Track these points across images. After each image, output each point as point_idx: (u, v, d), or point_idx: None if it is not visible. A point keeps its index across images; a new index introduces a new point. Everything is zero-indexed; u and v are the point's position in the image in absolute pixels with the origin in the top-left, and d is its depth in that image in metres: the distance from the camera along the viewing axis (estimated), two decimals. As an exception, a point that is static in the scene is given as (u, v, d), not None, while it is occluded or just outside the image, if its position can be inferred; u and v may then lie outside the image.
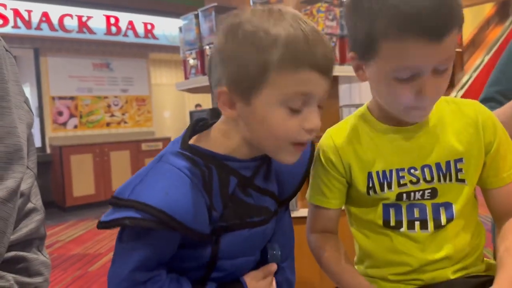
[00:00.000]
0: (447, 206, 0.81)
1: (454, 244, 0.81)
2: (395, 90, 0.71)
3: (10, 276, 0.72)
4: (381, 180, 0.81)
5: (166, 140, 6.67)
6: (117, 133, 6.72)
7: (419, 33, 0.65)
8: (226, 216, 0.66)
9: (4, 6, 5.43)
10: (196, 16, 2.31)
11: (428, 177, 0.80)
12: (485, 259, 0.87)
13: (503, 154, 0.82)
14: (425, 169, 0.80)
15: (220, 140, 0.69)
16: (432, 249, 0.80)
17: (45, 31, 5.76)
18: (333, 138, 0.86)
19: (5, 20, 5.44)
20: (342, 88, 2.51)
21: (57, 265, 3.58)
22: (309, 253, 0.88)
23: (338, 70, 2.23)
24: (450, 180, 0.80)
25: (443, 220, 0.80)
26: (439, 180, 0.80)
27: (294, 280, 0.83)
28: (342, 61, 2.26)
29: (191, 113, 2.83)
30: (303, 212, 2.01)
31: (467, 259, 0.82)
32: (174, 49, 6.61)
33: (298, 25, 0.61)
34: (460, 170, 0.80)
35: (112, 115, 6.73)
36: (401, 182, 0.80)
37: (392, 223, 0.82)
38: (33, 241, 0.79)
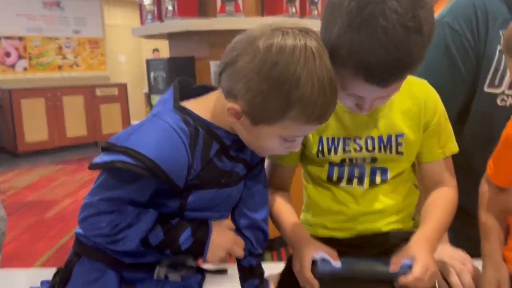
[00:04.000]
0: (384, 170, 0.92)
1: (386, 201, 0.93)
2: (340, 94, 0.75)
3: None
4: (329, 146, 0.91)
5: (122, 86, 6.49)
6: (69, 77, 6.50)
7: (369, 80, 0.71)
8: (200, 176, 0.74)
9: None
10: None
11: (370, 147, 0.90)
12: (415, 217, 0.99)
13: (438, 134, 0.92)
14: (368, 140, 0.90)
15: (211, 111, 0.76)
16: (366, 203, 0.92)
17: (-12, -36, 5.36)
18: None
19: None
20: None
21: (12, 212, 3.55)
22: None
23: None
24: (390, 152, 0.90)
25: (378, 180, 0.92)
26: (379, 150, 0.90)
27: (267, 231, 0.88)
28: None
29: (148, 61, 2.77)
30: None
31: (398, 215, 0.94)
32: (129, -12, 6.33)
33: (322, 81, 0.66)
34: (400, 144, 0.90)
35: (64, 58, 6.47)
36: (346, 149, 0.91)
37: (335, 178, 0.93)
38: None
